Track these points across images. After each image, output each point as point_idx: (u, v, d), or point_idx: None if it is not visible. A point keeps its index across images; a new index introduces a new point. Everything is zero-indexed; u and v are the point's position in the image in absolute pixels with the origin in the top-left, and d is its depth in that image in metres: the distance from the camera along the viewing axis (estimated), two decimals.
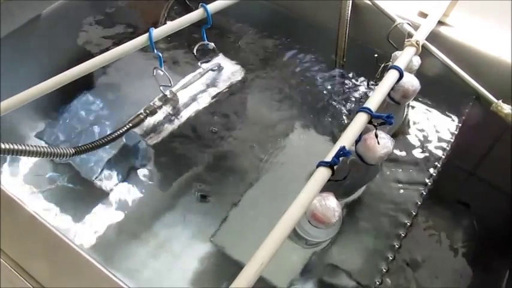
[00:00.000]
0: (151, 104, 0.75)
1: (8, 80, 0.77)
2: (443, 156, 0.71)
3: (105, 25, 0.98)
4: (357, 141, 0.52)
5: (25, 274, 0.51)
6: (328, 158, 0.45)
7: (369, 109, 0.50)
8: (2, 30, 0.82)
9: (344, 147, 0.46)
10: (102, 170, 0.76)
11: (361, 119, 0.49)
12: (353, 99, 0.81)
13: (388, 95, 0.56)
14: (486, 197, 0.82)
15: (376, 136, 0.51)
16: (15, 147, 0.51)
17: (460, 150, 0.77)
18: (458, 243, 0.77)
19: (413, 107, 0.79)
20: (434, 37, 0.71)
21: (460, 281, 0.73)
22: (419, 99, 0.80)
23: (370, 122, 0.50)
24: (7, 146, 0.51)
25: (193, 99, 0.78)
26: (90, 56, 0.58)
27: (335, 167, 0.46)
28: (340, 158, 0.46)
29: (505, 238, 0.77)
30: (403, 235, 0.63)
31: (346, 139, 0.48)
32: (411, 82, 0.57)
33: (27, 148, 0.53)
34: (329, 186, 0.47)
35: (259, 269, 0.39)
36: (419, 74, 0.64)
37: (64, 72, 0.56)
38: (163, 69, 0.68)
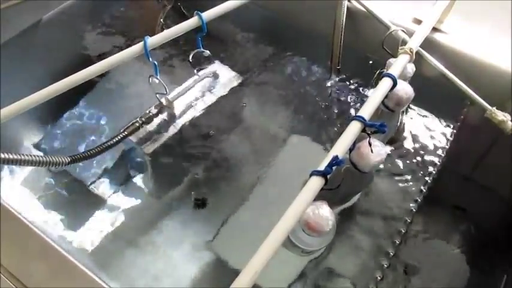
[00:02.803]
0: (147, 111, 0.75)
1: (7, 87, 0.77)
2: (438, 163, 0.71)
3: (104, 33, 0.98)
4: (351, 150, 0.52)
5: (21, 285, 0.51)
6: (321, 167, 0.46)
7: (362, 117, 0.50)
8: (2, 36, 0.83)
9: (337, 156, 0.46)
10: (98, 178, 0.76)
11: (354, 127, 0.50)
12: (349, 106, 0.81)
13: (382, 102, 0.57)
14: (483, 202, 0.82)
15: (370, 144, 0.51)
16: (12, 156, 0.51)
17: (456, 155, 0.77)
18: (455, 248, 0.77)
19: (407, 114, 0.79)
20: (429, 44, 0.71)
21: (457, 286, 0.73)
22: (414, 105, 0.80)
23: (363, 130, 0.51)
24: (4, 156, 0.51)
25: (189, 106, 0.78)
26: (88, 63, 0.58)
27: (328, 176, 0.46)
28: (333, 167, 0.46)
29: (502, 242, 0.77)
30: (398, 242, 0.63)
31: (339, 148, 0.48)
32: (405, 90, 0.58)
33: (23, 157, 0.53)
34: (323, 194, 0.47)
35: (253, 277, 0.39)
36: (414, 80, 0.64)
37: (60, 81, 0.56)
38: (158, 77, 0.68)
